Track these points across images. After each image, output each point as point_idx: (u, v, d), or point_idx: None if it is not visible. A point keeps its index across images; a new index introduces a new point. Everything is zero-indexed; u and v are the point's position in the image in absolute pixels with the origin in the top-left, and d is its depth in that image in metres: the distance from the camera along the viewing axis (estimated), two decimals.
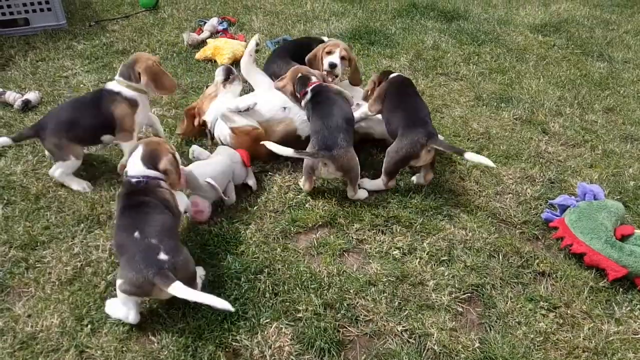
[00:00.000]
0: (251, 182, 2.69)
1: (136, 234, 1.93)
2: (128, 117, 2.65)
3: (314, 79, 2.90)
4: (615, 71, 4.35)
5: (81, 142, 2.64)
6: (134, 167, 2.15)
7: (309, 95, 2.82)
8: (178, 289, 1.80)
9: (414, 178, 2.84)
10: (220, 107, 2.88)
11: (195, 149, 2.69)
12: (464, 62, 4.30)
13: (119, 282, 1.89)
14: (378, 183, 2.74)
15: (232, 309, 1.80)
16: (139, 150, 2.18)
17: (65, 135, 2.55)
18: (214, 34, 4.47)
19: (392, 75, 2.96)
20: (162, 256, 1.88)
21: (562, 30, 5.16)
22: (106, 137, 2.69)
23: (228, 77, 3.05)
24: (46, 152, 2.77)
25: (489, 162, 2.49)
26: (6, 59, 3.86)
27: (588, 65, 4.43)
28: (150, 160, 2.16)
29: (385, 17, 5.21)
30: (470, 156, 2.52)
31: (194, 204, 2.41)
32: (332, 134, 2.55)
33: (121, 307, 1.95)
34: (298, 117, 2.92)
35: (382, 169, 2.70)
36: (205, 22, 4.56)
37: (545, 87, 3.97)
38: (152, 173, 2.15)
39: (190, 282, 1.91)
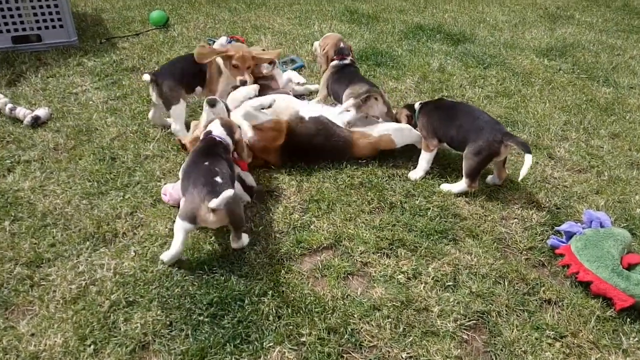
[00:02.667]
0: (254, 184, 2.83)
1: (206, 162, 2.37)
2: (214, 78, 3.32)
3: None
4: (621, 97, 4.36)
5: (186, 87, 3.25)
6: (217, 129, 2.61)
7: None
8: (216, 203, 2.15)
9: (488, 179, 3.01)
10: (243, 107, 3.00)
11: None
12: (469, 85, 4.32)
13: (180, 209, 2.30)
14: (461, 186, 2.88)
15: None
16: (218, 121, 2.65)
17: (177, 80, 3.17)
18: None
19: (418, 105, 3.16)
20: (218, 179, 2.29)
21: (568, 54, 5.20)
22: (198, 89, 3.35)
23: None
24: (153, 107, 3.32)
25: (523, 172, 2.69)
26: (17, 74, 3.91)
27: (594, 90, 4.45)
28: (228, 129, 2.64)
29: (392, 39, 5.27)
30: (528, 158, 2.68)
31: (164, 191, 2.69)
32: None
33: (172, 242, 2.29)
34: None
35: (464, 173, 2.86)
36: (214, 41, 4.61)
37: (551, 112, 3.98)
38: (228, 139, 2.62)
39: (236, 222, 2.29)
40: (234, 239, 2.37)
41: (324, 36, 3.81)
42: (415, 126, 3.14)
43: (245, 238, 2.42)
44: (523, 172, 2.69)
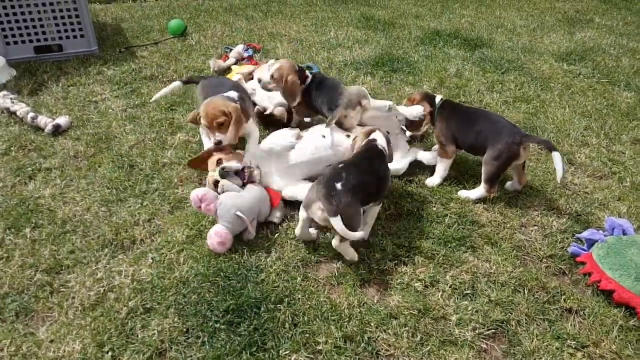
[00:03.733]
0: (276, 218, 2.70)
1: (341, 164, 2.46)
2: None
3: None
4: None
5: None
6: (380, 139, 2.66)
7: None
8: (335, 222, 2.23)
9: (508, 185, 2.98)
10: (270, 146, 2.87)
11: (225, 183, 2.68)
12: (487, 91, 4.28)
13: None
14: (480, 192, 2.86)
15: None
16: (380, 133, 2.70)
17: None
18: (240, 60, 4.55)
19: (439, 101, 3.08)
20: (339, 186, 2.30)
21: (588, 59, 5.12)
22: None
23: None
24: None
25: (559, 172, 2.61)
26: (39, 83, 3.99)
27: (615, 94, 4.37)
28: (387, 142, 2.69)
29: (409, 44, 5.25)
30: (556, 156, 2.61)
31: (217, 234, 2.42)
32: None
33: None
34: None
35: (483, 178, 2.82)
36: (231, 49, 4.66)
37: (571, 117, 3.92)
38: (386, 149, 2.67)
39: (351, 224, 2.27)
40: (336, 238, 2.36)
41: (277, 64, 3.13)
42: (433, 123, 3.06)
43: (352, 253, 2.41)
44: (559, 170, 2.60)
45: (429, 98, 3.09)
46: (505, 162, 2.77)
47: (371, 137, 2.68)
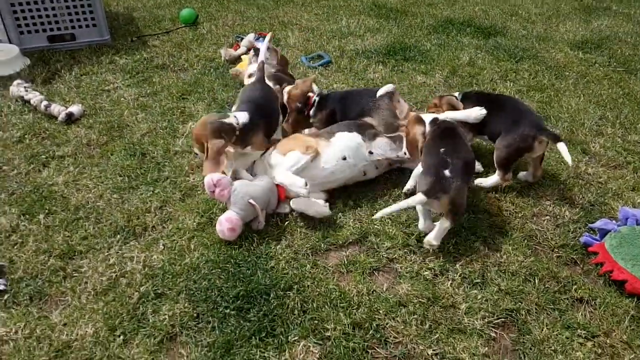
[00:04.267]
0: (286, 209, 2.69)
1: (442, 149, 2.49)
2: None
3: None
4: None
5: None
6: (444, 117, 2.78)
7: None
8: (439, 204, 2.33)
9: (520, 175, 2.95)
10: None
11: (241, 170, 2.72)
12: (500, 79, 4.23)
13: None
14: (494, 179, 2.82)
15: None
16: (432, 114, 2.79)
17: None
18: (251, 49, 4.54)
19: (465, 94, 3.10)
20: (447, 173, 2.37)
21: (604, 47, 5.03)
22: None
23: None
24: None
25: (568, 159, 2.61)
26: (53, 72, 4.02)
27: (631, 83, 4.29)
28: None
29: (421, 33, 5.20)
30: (561, 146, 2.63)
31: (228, 220, 2.43)
32: None
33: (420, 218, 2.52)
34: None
35: (496, 164, 2.79)
36: (242, 38, 4.65)
37: (586, 106, 3.86)
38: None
39: (456, 209, 2.35)
40: (444, 221, 2.42)
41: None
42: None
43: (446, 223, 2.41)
44: (567, 158, 2.60)
45: (453, 102, 3.04)
46: (516, 152, 2.73)
47: (433, 118, 2.71)
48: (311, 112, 3.16)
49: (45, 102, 3.44)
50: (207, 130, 2.57)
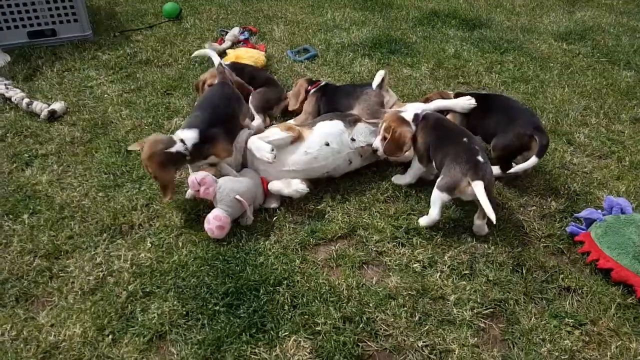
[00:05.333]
0: (274, 204, 2.68)
1: (465, 139, 2.51)
2: None
3: None
4: None
5: None
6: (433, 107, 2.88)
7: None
8: (479, 189, 2.32)
9: (510, 171, 2.88)
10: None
11: (224, 166, 2.69)
12: (486, 71, 4.25)
13: (438, 181, 2.47)
14: (496, 171, 2.80)
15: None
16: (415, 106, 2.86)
17: None
18: (236, 43, 4.51)
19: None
20: (480, 158, 2.41)
21: (588, 38, 5.07)
22: None
23: None
24: None
25: (518, 168, 2.70)
26: (34, 69, 3.95)
27: (614, 74, 4.33)
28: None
29: (406, 25, 5.20)
30: (533, 160, 2.64)
31: (216, 219, 2.41)
32: None
33: (430, 209, 2.50)
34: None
35: (496, 163, 2.79)
36: (227, 32, 4.62)
37: (570, 97, 3.89)
38: None
39: (491, 195, 2.37)
40: (479, 217, 2.48)
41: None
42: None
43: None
44: (518, 168, 2.67)
45: (445, 95, 3.08)
46: (515, 151, 2.76)
47: (415, 115, 2.72)
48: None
49: (26, 100, 3.38)
50: (153, 163, 2.40)
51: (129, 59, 4.22)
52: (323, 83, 3.34)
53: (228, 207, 2.46)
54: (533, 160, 2.63)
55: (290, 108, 3.39)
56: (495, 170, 2.83)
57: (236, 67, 3.52)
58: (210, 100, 2.80)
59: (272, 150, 2.58)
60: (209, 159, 2.60)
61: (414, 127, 2.71)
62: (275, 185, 2.63)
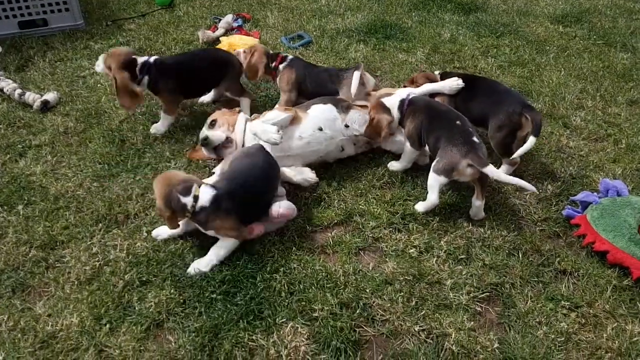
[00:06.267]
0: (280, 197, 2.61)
1: (458, 122, 2.51)
2: None
3: None
4: None
5: None
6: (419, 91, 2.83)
7: None
8: (490, 171, 2.35)
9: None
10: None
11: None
12: (482, 55, 4.22)
13: (434, 165, 2.46)
14: (506, 168, 2.76)
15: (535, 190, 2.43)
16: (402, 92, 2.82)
17: None
18: (229, 31, 4.46)
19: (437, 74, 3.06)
20: (475, 139, 2.42)
21: (584, 20, 5.03)
22: None
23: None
24: None
25: (518, 153, 2.61)
26: (26, 59, 3.91)
27: (611, 56, 4.31)
28: None
29: (401, 10, 5.15)
30: (532, 141, 2.57)
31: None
32: None
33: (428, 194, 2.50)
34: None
35: (497, 152, 2.75)
36: (220, 20, 4.56)
37: (566, 80, 3.87)
38: None
39: (485, 179, 2.43)
40: (477, 198, 2.51)
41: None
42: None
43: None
44: (518, 152, 2.58)
45: (430, 77, 3.04)
46: (508, 133, 2.66)
47: (400, 101, 2.72)
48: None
49: (19, 91, 3.35)
50: (159, 197, 2.21)
51: None
52: (290, 57, 3.23)
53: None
54: (531, 140, 2.55)
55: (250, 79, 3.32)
56: (505, 169, 2.75)
57: None
58: (242, 169, 2.42)
59: (279, 131, 2.58)
60: (208, 232, 2.30)
61: (397, 113, 2.71)
62: (286, 172, 2.64)
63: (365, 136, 2.79)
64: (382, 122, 2.69)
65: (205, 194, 2.23)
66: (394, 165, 2.83)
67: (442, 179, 2.44)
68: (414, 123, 2.65)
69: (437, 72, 3.08)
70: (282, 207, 2.38)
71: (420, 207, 2.55)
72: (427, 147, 2.64)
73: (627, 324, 2.05)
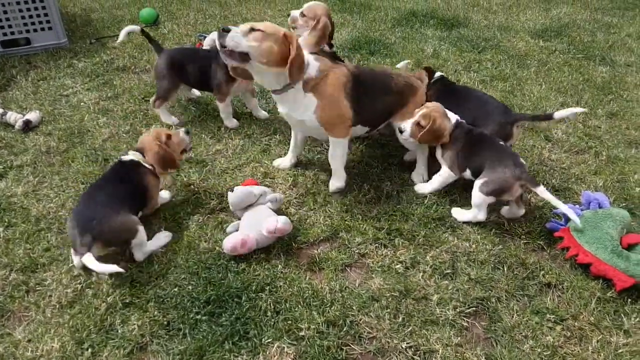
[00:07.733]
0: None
1: (502, 143, 2.60)
2: None
3: None
4: (618, 75, 4.31)
5: None
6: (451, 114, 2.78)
7: None
8: (541, 191, 2.42)
9: None
10: None
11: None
12: (464, 70, 4.28)
13: (480, 183, 2.52)
14: None
15: None
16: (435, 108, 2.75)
17: None
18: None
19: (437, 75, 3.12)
20: (522, 160, 2.51)
21: (564, 34, 5.14)
22: None
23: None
24: None
25: (578, 109, 2.72)
26: (8, 79, 3.88)
27: (590, 69, 4.40)
28: None
29: (385, 26, 5.22)
30: (559, 114, 2.70)
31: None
32: None
33: (473, 210, 2.58)
34: None
35: None
36: (205, 37, 4.57)
37: (547, 93, 3.94)
38: None
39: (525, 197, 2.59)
40: (510, 212, 2.65)
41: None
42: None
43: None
44: (571, 113, 2.69)
45: (429, 70, 3.12)
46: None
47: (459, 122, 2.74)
48: None
49: (0, 110, 3.31)
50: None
51: (106, 66, 4.16)
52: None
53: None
54: (558, 114, 2.69)
55: None
56: None
57: None
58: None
59: None
60: None
61: (453, 124, 2.71)
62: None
63: (420, 140, 2.72)
64: (445, 127, 2.68)
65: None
66: (423, 188, 2.82)
67: (491, 200, 2.52)
68: (456, 146, 2.67)
69: (438, 74, 3.12)
70: (279, 222, 2.36)
71: (464, 216, 2.62)
72: (468, 172, 2.66)
73: (611, 336, 2.06)
